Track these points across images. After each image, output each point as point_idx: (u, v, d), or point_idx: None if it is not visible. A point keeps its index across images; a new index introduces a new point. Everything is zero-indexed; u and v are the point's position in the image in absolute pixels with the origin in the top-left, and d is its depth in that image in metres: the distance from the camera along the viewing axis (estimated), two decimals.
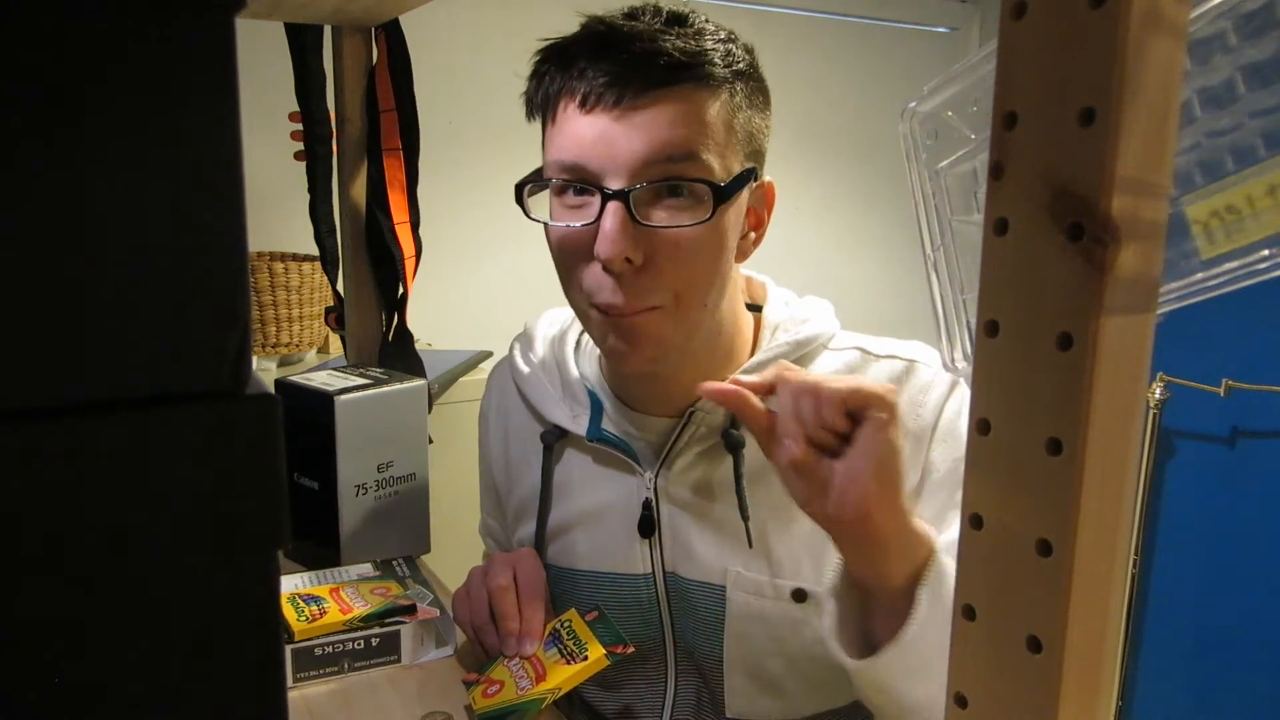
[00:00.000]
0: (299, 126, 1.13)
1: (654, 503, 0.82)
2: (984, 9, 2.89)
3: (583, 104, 0.70)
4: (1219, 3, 0.32)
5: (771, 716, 0.81)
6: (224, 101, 0.27)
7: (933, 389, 0.78)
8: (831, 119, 2.68)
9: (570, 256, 0.74)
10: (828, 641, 0.67)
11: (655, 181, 0.70)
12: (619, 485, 0.84)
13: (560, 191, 0.74)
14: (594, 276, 0.72)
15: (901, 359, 0.80)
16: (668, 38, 0.70)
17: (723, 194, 0.71)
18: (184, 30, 0.27)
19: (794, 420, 0.62)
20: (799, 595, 0.78)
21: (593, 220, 0.70)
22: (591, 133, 0.70)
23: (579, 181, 0.72)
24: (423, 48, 1.16)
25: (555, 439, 0.87)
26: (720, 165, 0.71)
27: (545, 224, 0.75)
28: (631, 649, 0.75)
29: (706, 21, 0.74)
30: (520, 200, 0.76)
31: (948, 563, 0.65)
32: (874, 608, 0.66)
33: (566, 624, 0.77)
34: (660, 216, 0.70)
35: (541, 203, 0.76)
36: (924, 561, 0.64)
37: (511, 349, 0.95)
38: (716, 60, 0.71)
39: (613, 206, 0.69)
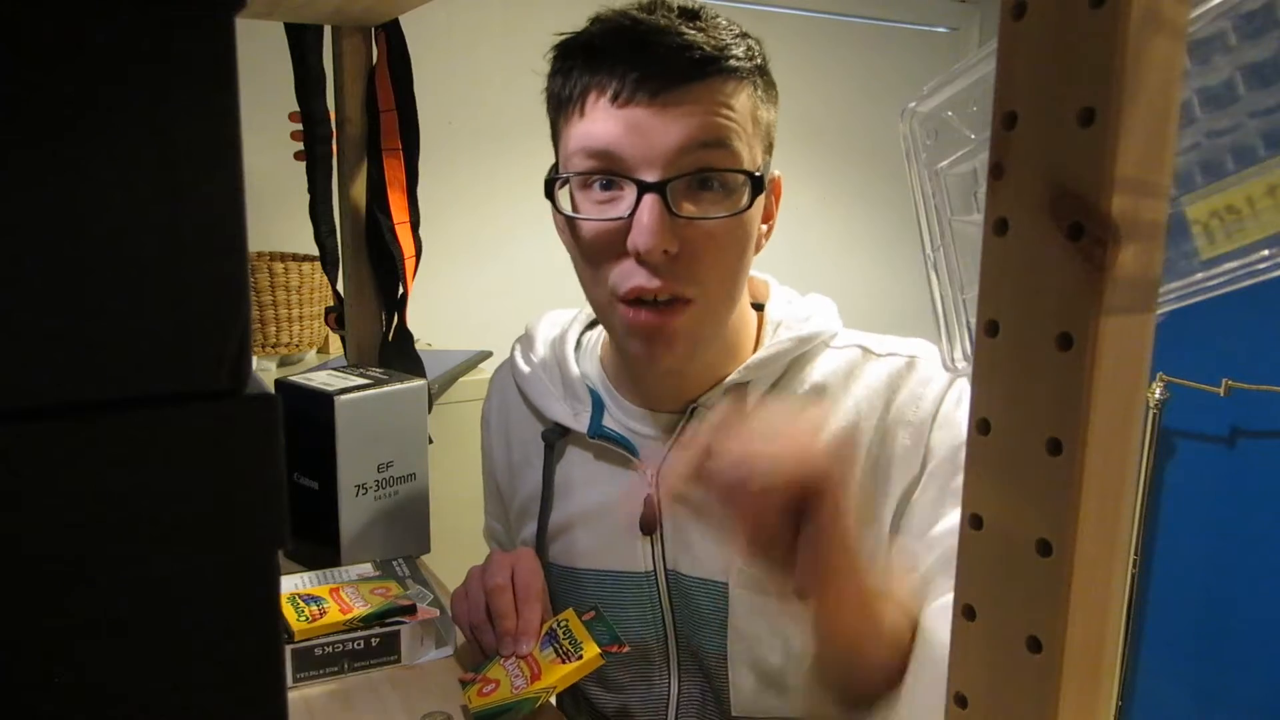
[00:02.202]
0: (299, 126, 1.13)
1: (655, 499, 0.82)
2: (984, 9, 2.89)
3: (615, 98, 0.70)
4: (1219, 3, 0.32)
5: (777, 713, 0.81)
6: (224, 101, 0.27)
7: (933, 381, 0.79)
8: (831, 119, 2.68)
9: (600, 252, 0.73)
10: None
11: (691, 173, 0.70)
12: (621, 482, 0.84)
13: (586, 186, 0.73)
14: (624, 269, 0.72)
15: (902, 355, 0.80)
16: (691, 32, 0.70)
17: (760, 183, 0.72)
18: (184, 30, 0.27)
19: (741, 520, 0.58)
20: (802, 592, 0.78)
21: (627, 214, 0.70)
22: (625, 124, 0.70)
23: (609, 172, 0.71)
24: (423, 48, 1.16)
25: (556, 437, 0.87)
26: (749, 156, 0.72)
27: (574, 219, 0.74)
28: (627, 648, 0.75)
29: (717, 17, 0.75)
30: (551, 194, 0.76)
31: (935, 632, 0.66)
32: (859, 676, 0.67)
33: (563, 623, 0.77)
34: (694, 209, 0.71)
35: (563, 200, 0.76)
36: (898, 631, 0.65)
37: (512, 351, 0.95)
38: (740, 54, 0.72)
39: (650, 199, 0.69)
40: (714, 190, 0.71)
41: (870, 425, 0.78)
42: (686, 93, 0.69)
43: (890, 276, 2.83)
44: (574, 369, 0.88)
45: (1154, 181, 0.27)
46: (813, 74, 2.64)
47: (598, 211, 0.72)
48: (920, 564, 0.77)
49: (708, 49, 0.70)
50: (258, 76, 1.07)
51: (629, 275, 0.71)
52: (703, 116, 0.69)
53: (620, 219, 0.71)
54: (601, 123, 0.71)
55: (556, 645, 0.75)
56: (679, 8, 0.73)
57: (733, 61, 0.71)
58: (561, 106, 0.75)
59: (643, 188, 0.69)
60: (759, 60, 0.74)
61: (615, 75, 0.70)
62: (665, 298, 0.72)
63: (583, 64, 0.73)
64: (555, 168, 0.77)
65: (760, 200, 0.74)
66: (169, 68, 0.27)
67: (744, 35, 0.74)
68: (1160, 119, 0.26)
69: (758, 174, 0.72)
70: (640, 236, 0.69)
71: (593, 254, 0.74)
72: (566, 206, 0.75)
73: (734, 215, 0.71)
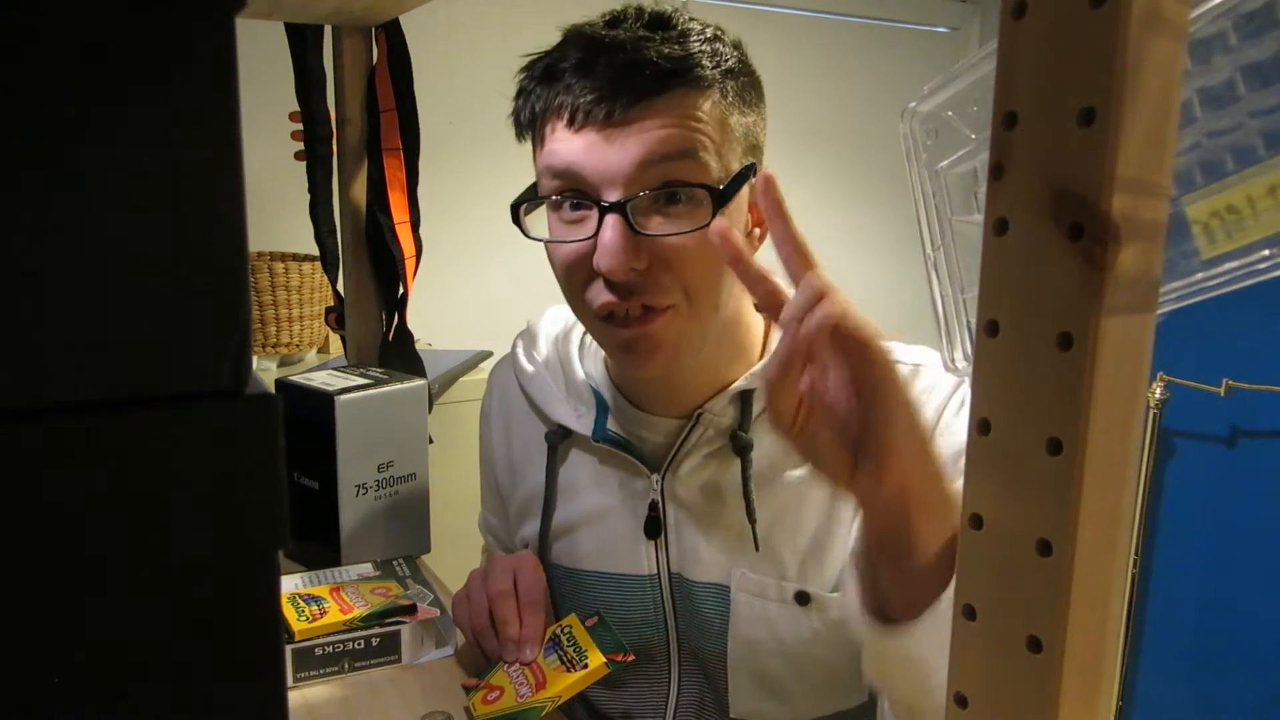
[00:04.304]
0: (299, 126, 1.13)
1: (660, 504, 0.82)
2: (984, 9, 2.89)
3: (571, 122, 0.70)
4: (1219, 3, 0.32)
5: (774, 717, 0.81)
6: (224, 101, 0.27)
7: (937, 390, 0.78)
8: (831, 119, 2.68)
9: (574, 272, 0.74)
10: (851, 615, 0.62)
11: (653, 189, 0.69)
12: (625, 486, 0.84)
13: (557, 206, 0.73)
14: (597, 288, 0.72)
15: (907, 363, 0.80)
16: (652, 44, 0.69)
17: (722, 197, 0.70)
18: (184, 30, 0.27)
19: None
20: (802, 598, 0.78)
21: (591, 234, 0.70)
22: (583, 146, 0.69)
23: (575, 192, 0.71)
24: (423, 48, 1.16)
25: (560, 439, 0.87)
26: (718, 164, 0.71)
27: (544, 242, 0.75)
28: (632, 657, 0.75)
29: (691, 21, 0.74)
30: (517, 220, 0.75)
31: None
32: (901, 580, 0.60)
33: (566, 630, 0.77)
34: (659, 224, 0.70)
35: (539, 220, 0.76)
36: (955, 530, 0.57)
37: (514, 347, 0.95)
38: (704, 62, 0.70)
39: (611, 219, 0.69)
40: (680, 203, 0.70)
41: None
42: (644, 109, 0.68)
43: (890, 277, 2.83)
44: (578, 371, 0.88)
45: (1154, 181, 0.27)
46: (813, 74, 2.64)
47: (567, 232, 0.72)
48: None
49: (664, 64, 0.68)
50: (258, 76, 1.07)
51: (600, 293, 0.72)
52: (662, 131, 0.68)
53: (586, 240, 0.71)
54: (562, 144, 0.70)
55: (560, 652, 0.75)
56: (649, 15, 0.72)
57: (695, 71, 0.69)
58: (525, 131, 0.76)
59: (604, 209, 0.69)
60: (729, 64, 0.72)
61: (571, 95, 0.69)
62: (639, 312, 0.72)
63: (540, 86, 0.73)
64: (525, 195, 0.77)
65: (732, 208, 0.73)
66: (169, 68, 0.27)
67: (715, 39, 0.73)
68: (1160, 119, 0.26)
69: (721, 188, 0.70)
70: (603, 258, 0.69)
71: (568, 274, 0.74)
72: (533, 229, 0.75)
73: (700, 229, 0.69)
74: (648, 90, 0.68)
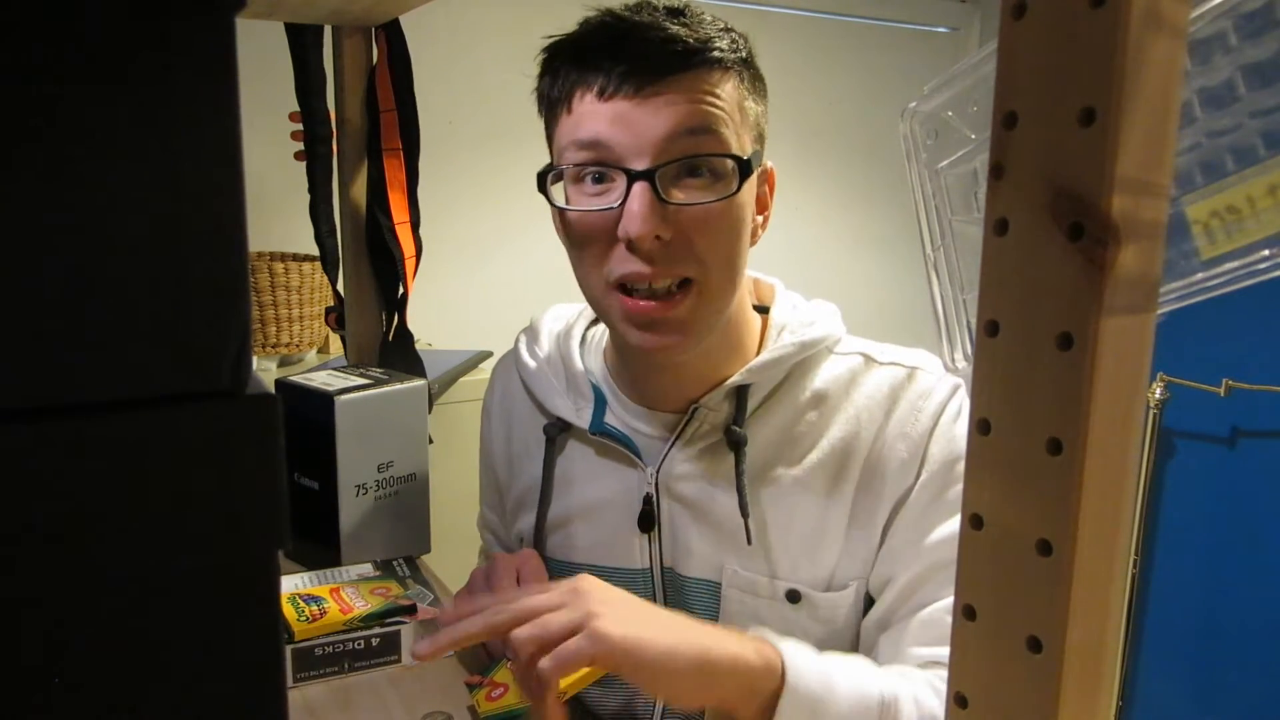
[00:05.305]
0: (299, 126, 1.13)
1: (654, 498, 0.82)
2: (984, 9, 2.89)
3: (601, 94, 0.72)
4: (1219, 3, 0.32)
5: None
6: (224, 101, 0.27)
7: (933, 394, 0.79)
8: (831, 119, 2.68)
9: (592, 243, 0.74)
10: None
11: (679, 159, 0.71)
12: (620, 479, 0.84)
13: (578, 179, 0.74)
14: (618, 257, 0.73)
15: (903, 366, 0.81)
16: (675, 27, 0.72)
17: (747, 167, 0.73)
18: (184, 30, 0.27)
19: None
20: (793, 596, 0.78)
21: (617, 203, 0.71)
22: (612, 116, 0.71)
23: (600, 163, 0.72)
24: (423, 48, 1.16)
25: (558, 432, 0.87)
26: (737, 143, 0.73)
27: (566, 211, 0.76)
28: None
29: (702, 13, 0.76)
30: (544, 188, 0.77)
31: (814, 681, 0.67)
32: None
33: None
34: (684, 195, 0.72)
35: (557, 195, 0.77)
36: (772, 693, 0.66)
37: (516, 343, 0.95)
38: (724, 46, 0.73)
39: (639, 187, 0.70)
40: (703, 176, 0.72)
41: (869, 435, 0.79)
42: (671, 83, 0.70)
43: (890, 277, 2.83)
44: (578, 364, 0.88)
45: (1154, 181, 0.27)
46: (813, 74, 2.64)
47: (590, 203, 0.74)
48: (907, 572, 0.77)
49: (691, 41, 0.71)
50: (258, 76, 1.07)
51: (623, 262, 0.73)
52: (688, 105, 0.71)
53: (611, 208, 0.72)
54: (589, 117, 0.72)
55: None
56: (664, 6, 0.75)
57: (716, 53, 0.72)
58: (551, 106, 0.77)
59: (632, 176, 0.70)
60: (744, 53, 0.75)
61: (601, 71, 0.71)
62: (661, 285, 0.73)
63: (569, 63, 0.74)
64: (549, 166, 0.78)
65: (751, 187, 0.75)
66: (169, 68, 0.27)
67: (729, 30, 0.76)
68: (1160, 119, 0.26)
69: (745, 158, 0.73)
70: (631, 223, 0.70)
71: (586, 245, 0.75)
72: (560, 199, 0.76)
73: (723, 199, 0.72)
74: (675, 66, 0.71)
